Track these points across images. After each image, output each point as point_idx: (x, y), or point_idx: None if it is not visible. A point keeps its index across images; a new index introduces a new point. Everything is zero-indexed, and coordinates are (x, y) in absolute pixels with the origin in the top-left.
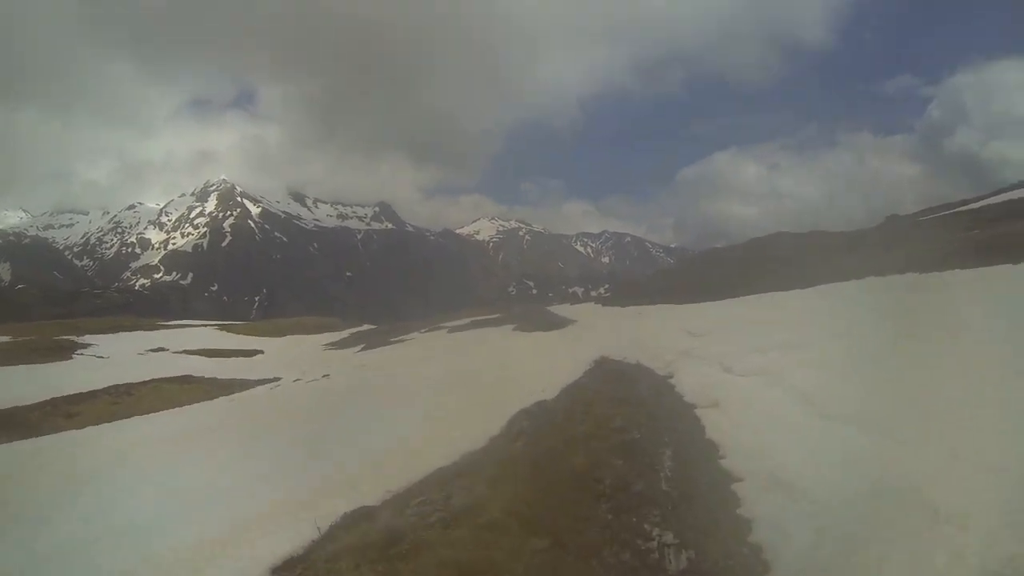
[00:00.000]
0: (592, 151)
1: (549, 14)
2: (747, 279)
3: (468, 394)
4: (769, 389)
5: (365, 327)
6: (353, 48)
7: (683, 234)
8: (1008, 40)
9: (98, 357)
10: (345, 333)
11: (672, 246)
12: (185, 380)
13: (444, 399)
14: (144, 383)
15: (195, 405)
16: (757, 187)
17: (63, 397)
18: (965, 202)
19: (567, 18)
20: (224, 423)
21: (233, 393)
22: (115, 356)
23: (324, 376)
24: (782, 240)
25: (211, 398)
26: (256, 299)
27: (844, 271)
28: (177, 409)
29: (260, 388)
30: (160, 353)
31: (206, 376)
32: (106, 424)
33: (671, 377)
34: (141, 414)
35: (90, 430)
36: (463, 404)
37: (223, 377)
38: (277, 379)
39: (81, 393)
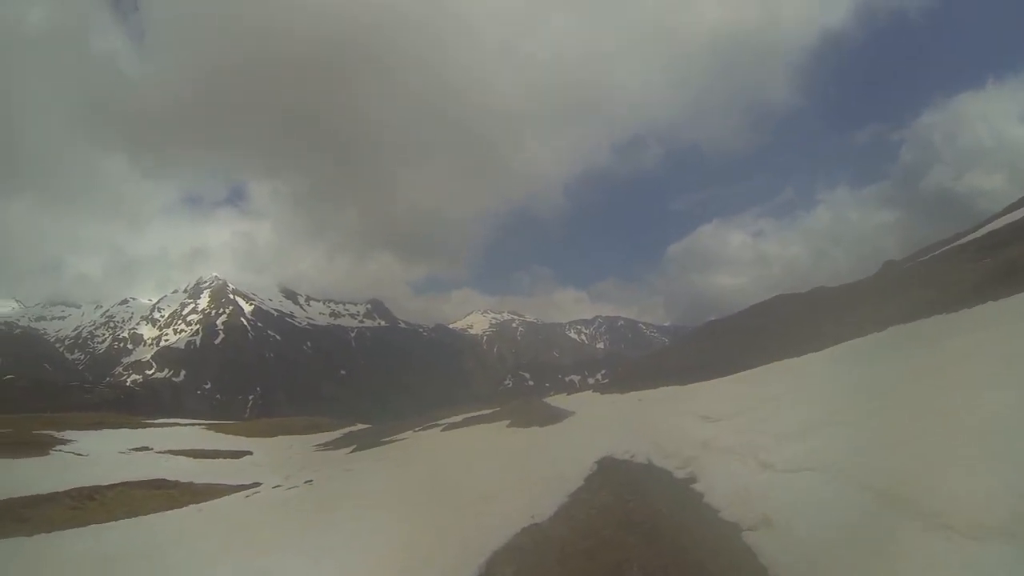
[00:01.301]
0: (579, 236)
1: (529, 100)
2: (752, 349)
3: (443, 517)
4: (831, 489)
5: (358, 427)
6: (340, 144)
7: (675, 311)
8: (964, 74)
9: (77, 455)
10: (337, 433)
11: (665, 324)
12: (158, 484)
13: (415, 527)
14: (112, 487)
15: (156, 515)
16: (743, 256)
17: (21, 498)
18: (958, 236)
19: (545, 102)
20: (165, 542)
21: (208, 500)
22: (95, 454)
23: (307, 482)
24: (782, 303)
25: (180, 506)
26: (250, 398)
27: (858, 325)
28: (137, 519)
29: (236, 496)
30: (144, 452)
31: (182, 480)
32: (58, 531)
33: (694, 481)
34: (101, 522)
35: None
36: (433, 535)
37: (200, 482)
38: (257, 484)
39: (40, 495)
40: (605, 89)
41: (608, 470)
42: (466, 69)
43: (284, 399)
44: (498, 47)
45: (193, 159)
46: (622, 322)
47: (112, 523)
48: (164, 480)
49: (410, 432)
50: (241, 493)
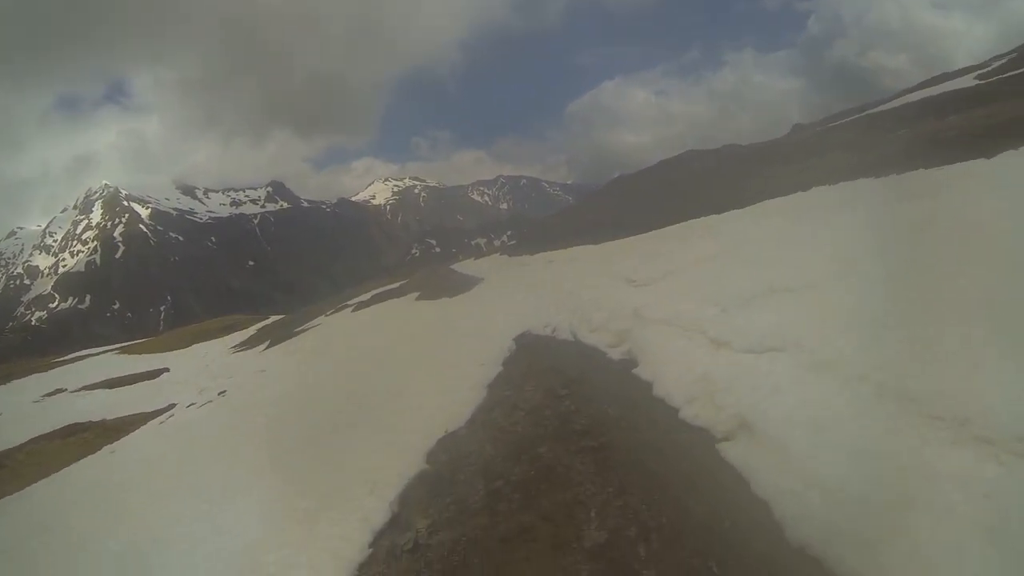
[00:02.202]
0: (478, 95)
1: None
2: (666, 205)
3: (349, 435)
4: (815, 380)
5: (272, 319)
6: (226, 19)
7: (578, 169)
8: None
9: None
10: (252, 330)
11: (569, 183)
12: (70, 431)
13: (314, 457)
14: (22, 447)
15: (70, 469)
16: (647, 113)
17: None
18: (864, 108)
19: None
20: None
21: (122, 436)
22: (6, 411)
23: (220, 394)
24: (693, 158)
25: (95, 450)
26: (161, 309)
27: (779, 184)
28: (50, 480)
29: (150, 425)
30: (58, 396)
31: (95, 420)
32: None
33: (635, 364)
34: (11, 493)
35: None
36: (332, 471)
37: (113, 417)
38: (172, 406)
39: None
40: None
41: (530, 350)
42: None
43: (196, 303)
44: None
45: (62, 57)
46: (525, 181)
47: (23, 491)
48: (76, 425)
49: (322, 317)
50: (156, 420)
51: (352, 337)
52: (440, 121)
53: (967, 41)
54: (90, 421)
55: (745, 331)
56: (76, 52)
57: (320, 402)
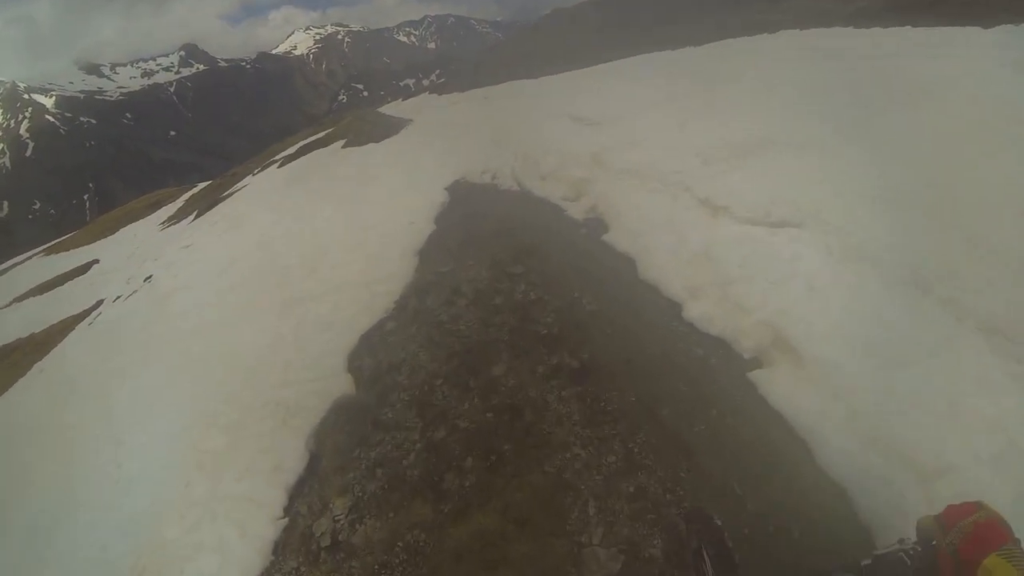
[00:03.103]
0: None
1: None
2: (610, 40)
3: (261, 324)
4: (860, 276)
5: (200, 187)
6: None
7: (509, 6)
8: None
9: None
10: (179, 202)
11: (499, 20)
12: (2, 353)
13: (220, 384)
14: None
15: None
16: None
17: None
18: None
19: None
20: None
21: (51, 349)
22: None
23: (147, 280)
24: None
25: (25, 370)
26: (85, 198)
27: (746, 22)
28: None
29: (79, 330)
30: None
31: (23, 336)
32: None
33: (605, 230)
34: None
35: None
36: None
37: (41, 328)
38: (100, 302)
39: None
40: None
41: (468, 204)
42: None
43: (121, 185)
44: None
45: None
46: (452, 20)
47: None
48: (4, 347)
49: (249, 177)
50: (84, 323)
51: (273, 198)
52: None
53: None
54: (18, 339)
55: (744, 193)
56: None
57: (239, 285)
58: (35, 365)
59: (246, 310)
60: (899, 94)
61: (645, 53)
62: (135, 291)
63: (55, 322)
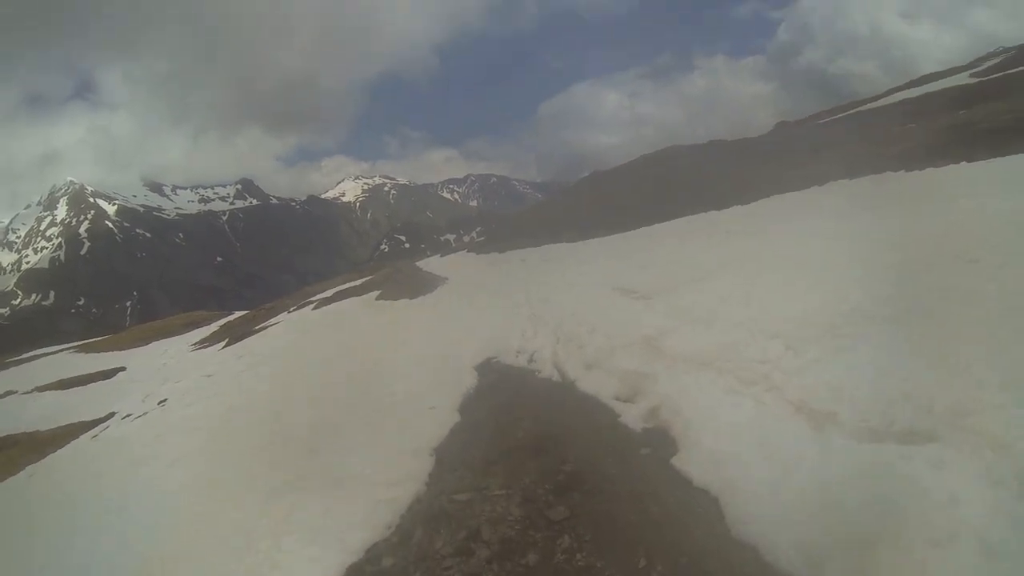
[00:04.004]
0: (450, 96)
1: None
2: (652, 201)
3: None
4: None
5: (236, 315)
6: (197, 15)
7: (549, 169)
8: None
9: None
10: (214, 326)
11: (539, 181)
12: (4, 444)
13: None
14: None
15: None
16: (619, 115)
17: None
18: (840, 109)
19: None
20: None
21: (52, 451)
22: None
23: (160, 403)
24: (677, 153)
25: (17, 470)
26: (127, 304)
27: (784, 179)
28: None
29: (82, 440)
30: (7, 398)
31: (28, 430)
32: None
33: (673, 450)
34: None
35: None
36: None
37: (48, 428)
38: (111, 415)
39: None
40: None
41: (498, 394)
42: None
43: (163, 299)
44: None
45: (30, 53)
46: (495, 179)
47: None
48: (8, 438)
49: (284, 313)
50: (89, 434)
51: (300, 343)
52: (412, 120)
53: (933, 50)
54: (24, 432)
55: (850, 392)
56: (45, 48)
57: (233, 449)
58: (28, 467)
59: (229, 491)
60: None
61: (690, 215)
62: (146, 413)
63: (65, 424)
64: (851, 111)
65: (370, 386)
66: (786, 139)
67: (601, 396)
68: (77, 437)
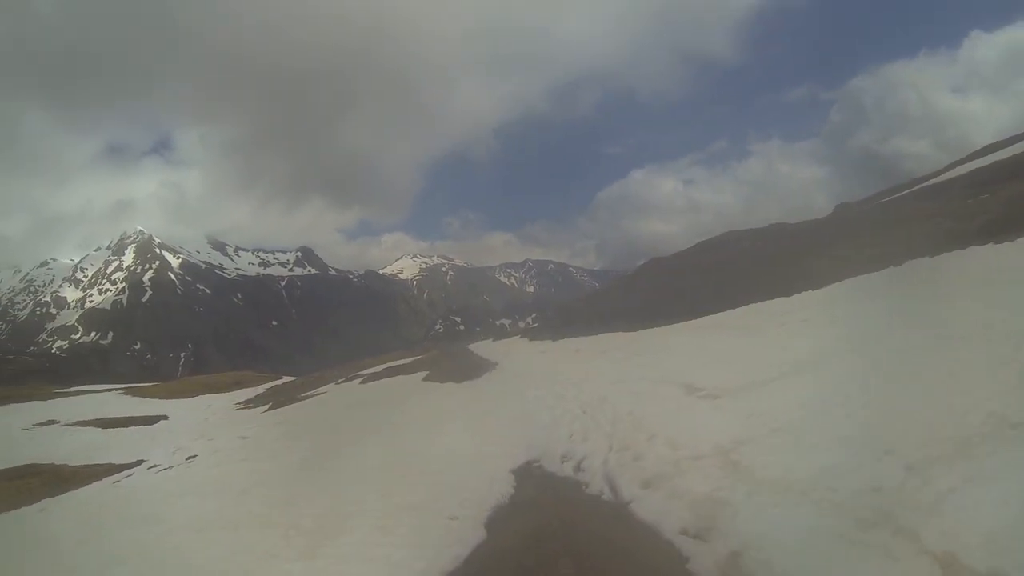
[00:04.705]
0: (510, 180)
1: (464, 46)
2: (712, 289)
3: None
4: None
5: (284, 379)
6: (271, 88)
7: (606, 256)
8: (897, 43)
9: None
10: (261, 388)
11: (596, 269)
12: (25, 471)
13: None
14: None
15: None
16: (675, 203)
17: None
18: (914, 183)
19: (482, 49)
20: None
21: (70, 489)
22: None
23: (189, 459)
24: (738, 238)
25: (32, 501)
26: (182, 355)
27: (853, 260)
28: None
29: (103, 484)
30: (48, 427)
31: (57, 463)
32: None
33: None
34: None
35: None
36: None
37: (77, 463)
38: (140, 463)
39: None
40: (545, 34)
41: (535, 512)
42: (403, 9)
43: (216, 354)
44: None
45: (117, 107)
46: (552, 265)
47: None
48: (33, 466)
49: (331, 384)
50: (111, 479)
51: (338, 419)
52: (472, 202)
53: (986, 122)
54: (50, 464)
55: (1005, 537)
56: (129, 103)
57: (256, 510)
58: (43, 500)
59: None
60: None
61: (755, 302)
62: (171, 467)
63: (94, 463)
64: (913, 188)
65: (393, 481)
66: (850, 219)
67: (663, 528)
68: (101, 479)
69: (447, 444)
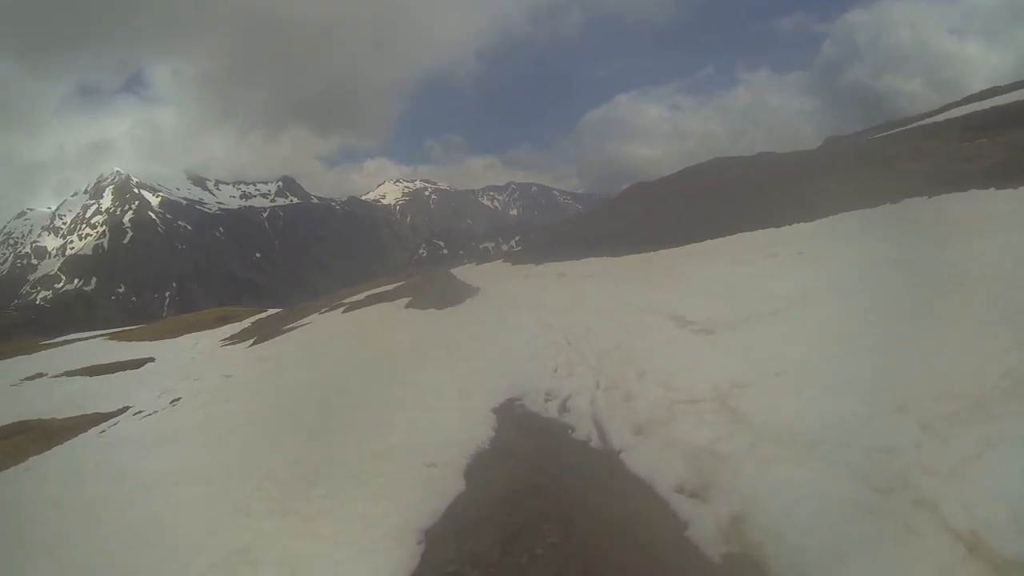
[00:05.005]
0: (493, 103)
1: None
2: (700, 216)
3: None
4: None
5: (270, 312)
6: (246, 12)
7: (589, 179)
8: None
9: None
10: (247, 323)
11: (579, 192)
12: (14, 430)
13: None
14: None
15: None
16: (660, 128)
17: None
18: (907, 121)
19: None
20: None
21: (59, 443)
22: None
23: (173, 402)
24: (723, 165)
25: (20, 459)
26: (167, 295)
27: (848, 195)
28: None
29: (89, 435)
30: (36, 380)
31: (44, 418)
32: None
33: None
34: None
35: None
36: None
37: (64, 416)
38: (126, 409)
39: None
40: None
41: (517, 458)
42: None
43: (201, 291)
44: None
45: (84, 45)
46: (535, 188)
47: None
48: (22, 423)
49: (315, 315)
50: (97, 428)
51: (318, 352)
52: (454, 126)
53: (982, 68)
54: (37, 420)
55: None
56: (97, 42)
57: (233, 456)
58: (30, 458)
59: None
60: None
61: (746, 231)
62: (156, 411)
63: (80, 414)
64: (907, 126)
65: (369, 421)
66: (842, 153)
67: (657, 484)
68: (86, 430)
69: (426, 379)
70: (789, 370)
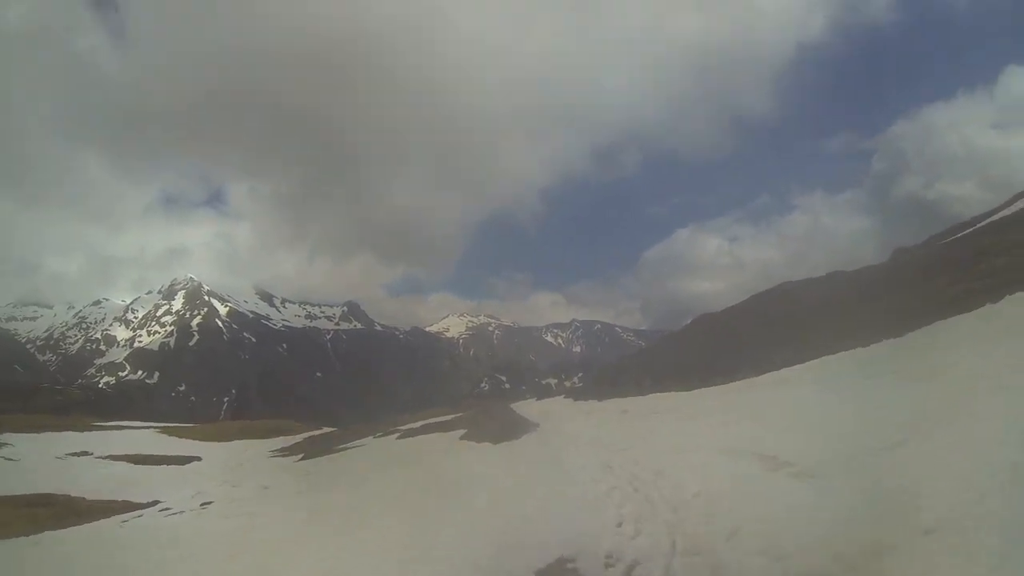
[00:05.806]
0: (556, 241)
1: (509, 105)
2: (777, 345)
3: None
4: None
5: (324, 430)
6: (322, 146)
7: (652, 316)
8: (934, 85)
9: (7, 460)
10: (299, 437)
11: (642, 328)
12: (39, 501)
13: None
14: None
15: None
16: (720, 260)
17: None
18: (971, 223)
19: (526, 108)
20: None
21: (79, 524)
22: (28, 459)
23: (203, 505)
24: (793, 289)
25: (34, 531)
26: (224, 400)
27: (929, 306)
28: None
29: (111, 521)
30: (82, 458)
31: (74, 495)
32: None
33: None
34: None
35: None
36: None
37: (97, 497)
38: (155, 503)
39: None
40: (588, 95)
41: None
42: (452, 70)
43: (259, 401)
44: (485, 49)
45: (173, 159)
46: (598, 326)
47: None
48: (48, 496)
49: (369, 438)
50: (120, 518)
51: (364, 480)
52: (518, 263)
53: None
54: (64, 495)
55: None
56: (187, 158)
57: None
58: (44, 532)
59: None
60: None
61: (826, 355)
62: (183, 512)
63: (111, 499)
64: (968, 230)
65: (397, 559)
66: (915, 263)
67: None
68: (110, 517)
69: (469, 521)
70: (944, 526)
